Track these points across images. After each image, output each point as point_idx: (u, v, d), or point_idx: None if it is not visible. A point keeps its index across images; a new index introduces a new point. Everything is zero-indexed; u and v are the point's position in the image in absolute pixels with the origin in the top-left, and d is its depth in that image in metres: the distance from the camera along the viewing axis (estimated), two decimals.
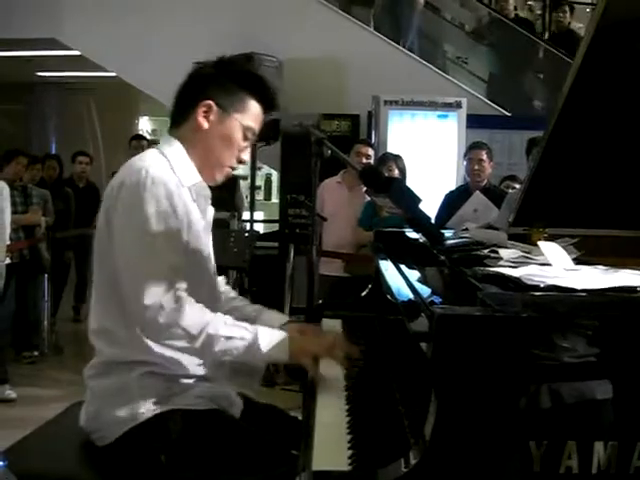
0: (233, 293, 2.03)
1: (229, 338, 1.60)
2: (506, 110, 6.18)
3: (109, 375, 1.67)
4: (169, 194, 1.62)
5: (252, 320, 1.87)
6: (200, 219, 1.74)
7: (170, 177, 1.66)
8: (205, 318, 1.61)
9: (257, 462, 1.59)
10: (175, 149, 1.73)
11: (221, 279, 1.98)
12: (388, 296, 1.84)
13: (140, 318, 1.58)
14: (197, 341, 1.58)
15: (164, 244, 1.60)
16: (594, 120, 1.64)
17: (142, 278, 1.57)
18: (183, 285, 1.61)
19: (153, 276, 1.57)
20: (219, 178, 1.78)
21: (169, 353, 1.64)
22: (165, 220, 1.61)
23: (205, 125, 1.72)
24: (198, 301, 1.63)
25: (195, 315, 1.59)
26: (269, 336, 1.64)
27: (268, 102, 1.79)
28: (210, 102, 1.71)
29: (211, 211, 1.82)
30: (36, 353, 5.31)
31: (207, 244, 1.79)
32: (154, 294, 1.56)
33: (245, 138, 1.75)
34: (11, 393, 4.38)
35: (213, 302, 1.75)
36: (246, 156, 1.78)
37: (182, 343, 1.59)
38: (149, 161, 1.67)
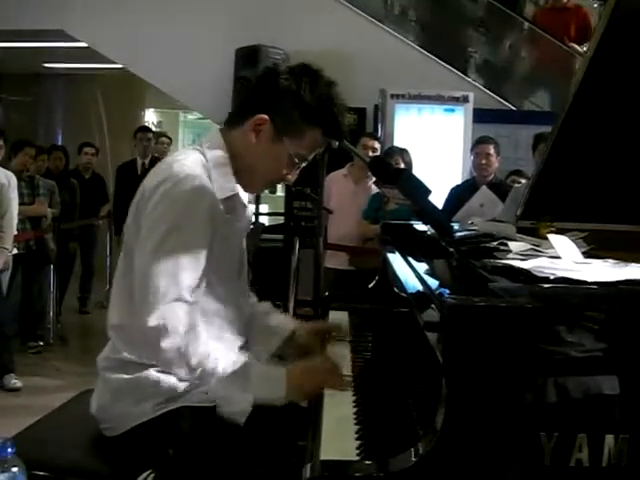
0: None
1: (224, 381, 1.57)
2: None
3: (123, 372, 1.65)
4: (202, 206, 1.58)
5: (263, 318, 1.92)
6: (233, 225, 1.71)
7: (206, 187, 1.60)
8: (207, 352, 1.57)
9: (265, 455, 1.59)
10: (218, 156, 1.67)
11: None
12: (395, 288, 1.84)
13: (143, 337, 1.54)
14: (194, 373, 1.57)
15: (184, 259, 1.55)
16: (604, 113, 1.63)
17: (152, 292, 1.52)
18: (195, 307, 1.57)
19: (164, 293, 1.52)
20: (257, 190, 1.77)
21: None
22: (192, 234, 1.56)
23: (253, 139, 1.66)
24: (219, 315, 1.64)
25: (199, 348, 1.55)
26: (266, 381, 1.61)
27: (332, 133, 1.70)
28: (266, 117, 1.65)
29: (249, 214, 1.80)
30: (41, 343, 5.33)
31: (240, 250, 1.79)
32: (160, 315, 1.51)
33: (292, 164, 1.69)
34: (17, 382, 4.41)
35: (237, 317, 1.76)
36: (292, 177, 1.72)
37: (179, 370, 1.57)
38: (189, 166, 1.61)
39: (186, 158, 1.65)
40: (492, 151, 4.44)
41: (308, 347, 1.90)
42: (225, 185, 1.66)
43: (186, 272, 1.55)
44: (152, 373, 1.62)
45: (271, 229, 5.91)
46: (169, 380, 1.62)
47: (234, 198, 1.69)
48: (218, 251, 1.64)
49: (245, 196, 1.76)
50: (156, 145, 6.52)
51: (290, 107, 1.64)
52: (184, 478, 1.61)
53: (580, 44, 5.98)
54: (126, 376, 1.64)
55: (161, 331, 1.51)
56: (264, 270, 5.02)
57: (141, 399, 1.62)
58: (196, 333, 1.56)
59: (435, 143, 5.50)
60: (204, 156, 1.66)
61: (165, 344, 1.51)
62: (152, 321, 1.51)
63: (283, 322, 1.96)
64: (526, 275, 1.26)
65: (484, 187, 4.39)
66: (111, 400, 1.66)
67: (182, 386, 1.63)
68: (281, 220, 6.21)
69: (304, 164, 1.73)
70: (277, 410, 1.83)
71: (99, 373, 1.71)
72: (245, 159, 1.69)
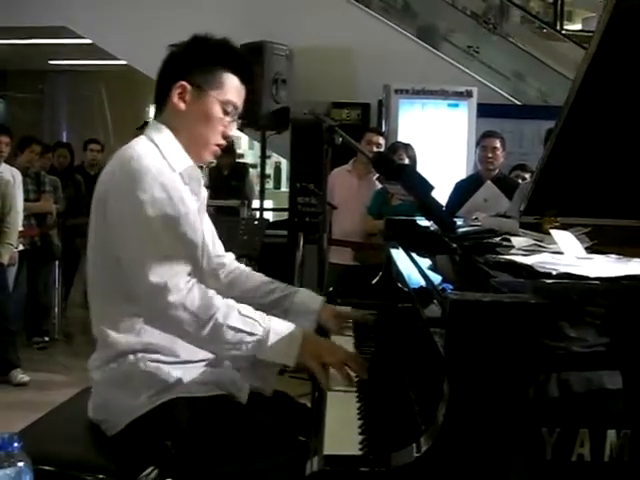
0: (257, 275, 2.00)
1: (239, 331, 1.56)
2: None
3: (113, 366, 1.65)
4: (161, 181, 1.61)
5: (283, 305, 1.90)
6: (194, 201, 1.73)
7: (161, 164, 1.65)
8: (215, 303, 1.57)
9: (265, 448, 1.58)
10: (163, 135, 1.72)
11: (230, 255, 1.99)
12: (399, 284, 1.85)
13: (145, 300, 1.56)
14: (205, 328, 1.55)
15: (162, 230, 1.59)
16: (608, 108, 1.63)
17: (145, 262, 1.55)
18: (188, 268, 1.59)
19: (156, 259, 1.55)
20: (208, 157, 1.77)
21: (174, 338, 1.63)
22: (160, 207, 1.59)
23: (182, 106, 1.71)
24: None
25: (205, 299, 1.56)
26: (281, 336, 1.60)
27: (244, 73, 1.76)
28: (183, 83, 1.70)
29: (204, 192, 1.82)
30: (47, 339, 5.36)
31: (201, 228, 1.78)
32: (159, 275, 1.54)
33: (225, 113, 1.73)
34: (24, 377, 4.44)
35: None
36: (231, 131, 1.76)
37: (189, 328, 1.56)
38: (138, 150, 1.66)
39: (133, 145, 1.70)
40: (498, 145, 4.43)
41: (325, 327, 1.93)
42: (180, 158, 1.71)
43: (167, 239, 1.59)
44: (142, 362, 1.63)
45: (275, 225, 5.92)
46: (161, 368, 1.63)
47: (190, 171, 1.72)
48: (184, 227, 1.65)
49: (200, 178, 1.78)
50: None
51: (197, 61, 1.72)
52: (185, 471, 1.61)
53: None
54: (116, 369, 1.64)
55: (162, 288, 1.53)
56: (268, 266, 5.03)
57: (134, 391, 1.62)
58: (199, 286, 1.57)
59: (439, 138, 5.49)
60: (151, 141, 1.70)
61: (170, 299, 1.53)
62: (153, 278, 1.53)
63: (308, 300, 1.95)
64: (528, 271, 1.26)
65: (488, 182, 4.38)
66: (105, 398, 1.67)
67: (175, 374, 1.63)
68: (285, 216, 6.21)
69: (238, 114, 1.76)
70: (277, 403, 1.83)
71: (91, 375, 1.71)
72: (184, 129, 1.72)
